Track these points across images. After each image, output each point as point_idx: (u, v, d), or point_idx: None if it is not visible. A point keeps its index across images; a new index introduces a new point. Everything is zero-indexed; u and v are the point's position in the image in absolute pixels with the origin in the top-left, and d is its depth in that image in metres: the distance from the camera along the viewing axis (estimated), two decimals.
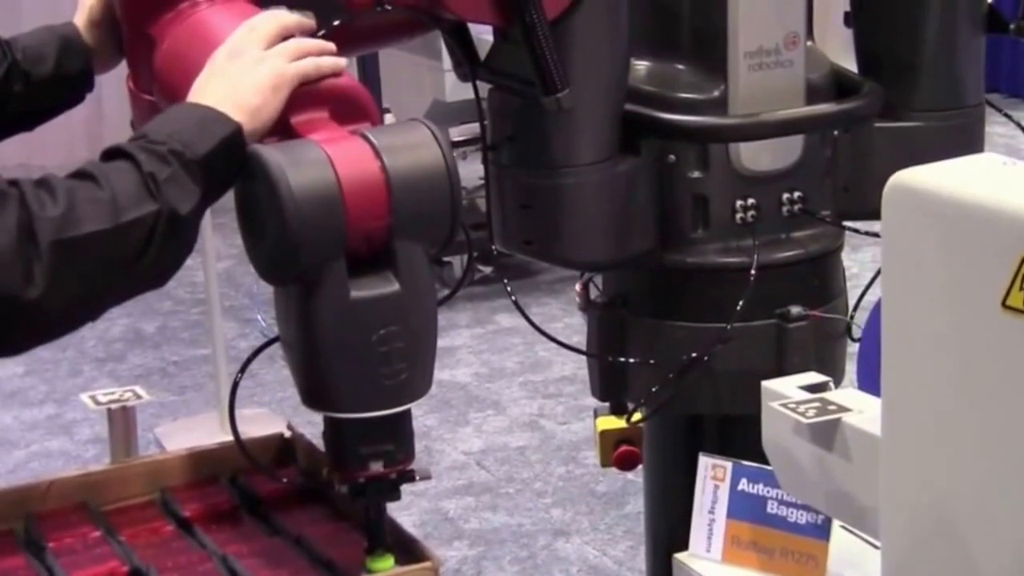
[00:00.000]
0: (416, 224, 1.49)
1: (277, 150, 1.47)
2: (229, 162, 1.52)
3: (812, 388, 1.63)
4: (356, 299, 1.48)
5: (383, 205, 1.47)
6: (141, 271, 1.52)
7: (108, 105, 6.68)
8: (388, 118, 5.65)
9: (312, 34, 1.67)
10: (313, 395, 1.55)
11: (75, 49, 1.86)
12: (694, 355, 2.10)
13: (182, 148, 1.50)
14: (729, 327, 2.08)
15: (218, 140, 1.51)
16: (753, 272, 2.07)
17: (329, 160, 1.46)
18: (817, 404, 1.56)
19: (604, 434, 2.28)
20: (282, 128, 1.53)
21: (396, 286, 1.49)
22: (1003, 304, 1.24)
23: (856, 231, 2.18)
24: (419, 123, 1.53)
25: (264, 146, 1.49)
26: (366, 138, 1.50)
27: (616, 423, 2.26)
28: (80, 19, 1.88)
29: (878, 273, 1.40)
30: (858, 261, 3.32)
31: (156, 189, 1.48)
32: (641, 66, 2.11)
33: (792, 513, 1.87)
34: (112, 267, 1.50)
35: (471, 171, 3.22)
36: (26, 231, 1.43)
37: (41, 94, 1.86)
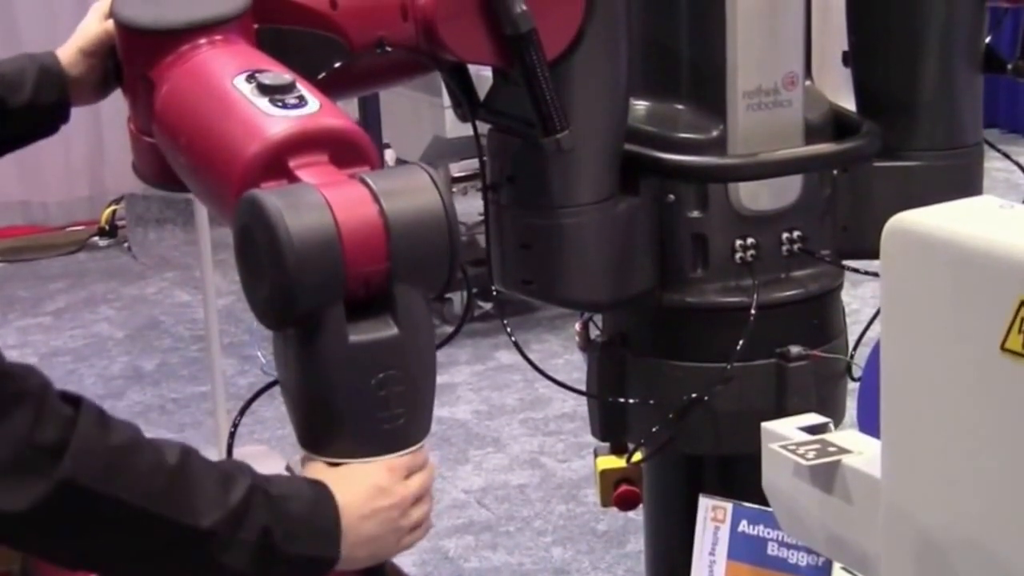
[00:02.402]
0: (415, 269, 1.49)
1: (275, 194, 1.47)
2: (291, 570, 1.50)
3: (812, 429, 1.62)
4: (354, 343, 1.47)
5: (382, 249, 1.47)
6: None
7: (109, 146, 6.71)
8: (388, 154, 5.67)
9: None
10: (311, 439, 1.55)
11: (53, 79, 1.86)
12: (694, 395, 2.10)
13: (280, 534, 1.47)
14: (729, 367, 2.08)
15: (307, 555, 1.50)
16: (753, 312, 2.07)
17: (328, 204, 1.45)
18: (817, 446, 1.56)
19: (604, 474, 2.28)
20: (280, 172, 1.53)
21: (395, 330, 1.49)
22: (1001, 347, 1.24)
23: (856, 271, 2.18)
24: (418, 168, 1.53)
25: (262, 191, 1.49)
26: (365, 182, 1.49)
27: (616, 463, 2.26)
28: (73, 46, 1.88)
29: (879, 311, 1.40)
30: (858, 297, 3.32)
31: (234, 526, 1.45)
32: (640, 106, 2.12)
33: (793, 555, 1.86)
34: (108, 545, 1.45)
35: (471, 207, 3.23)
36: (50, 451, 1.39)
37: (15, 123, 1.86)
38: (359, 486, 1.53)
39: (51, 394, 1.43)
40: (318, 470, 1.55)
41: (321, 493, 1.52)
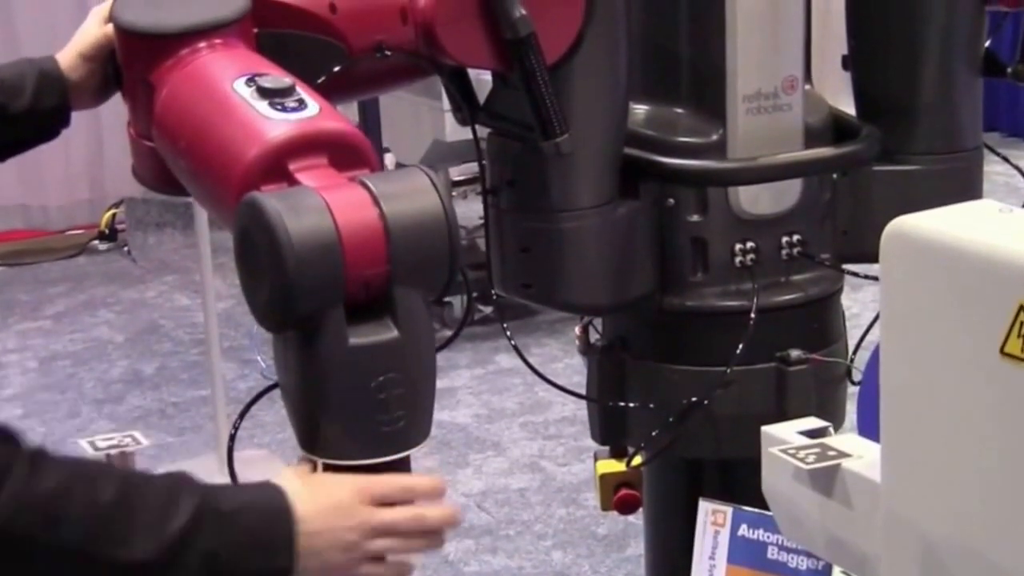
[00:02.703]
0: (415, 271, 1.49)
1: (275, 197, 1.47)
2: None
3: (812, 433, 1.62)
4: (354, 346, 1.47)
5: (382, 252, 1.47)
6: None
7: (109, 149, 6.70)
8: (388, 158, 5.66)
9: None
10: (311, 441, 1.55)
11: (53, 84, 1.86)
12: (694, 399, 2.10)
13: (227, 554, 1.47)
14: (729, 371, 2.08)
15: (259, 568, 1.49)
16: (753, 315, 2.07)
17: (327, 207, 1.46)
18: (817, 450, 1.56)
19: (604, 478, 2.28)
20: (280, 175, 1.53)
21: (395, 333, 1.49)
22: (1001, 351, 1.24)
23: (855, 275, 2.18)
24: (418, 170, 1.53)
25: (263, 193, 1.49)
26: (365, 185, 1.49)
27: (616, 466, 2.26)
28: (72, 50, 1.88)
29: (879, 315, 1.40)
30: (859, 301, 3.32)
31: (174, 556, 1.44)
32: (640, 110, 2.12)
33: (792, 559, 1.86)
34: None
35: (471, 210, 3.22)
36: None
37: (15, 128, 1.86)
38: (320, 499, 1.52)
39: None
40: (288, 477, 1.54)
41: (277, 502, 1.50)
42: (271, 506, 1.51)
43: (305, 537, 1.50)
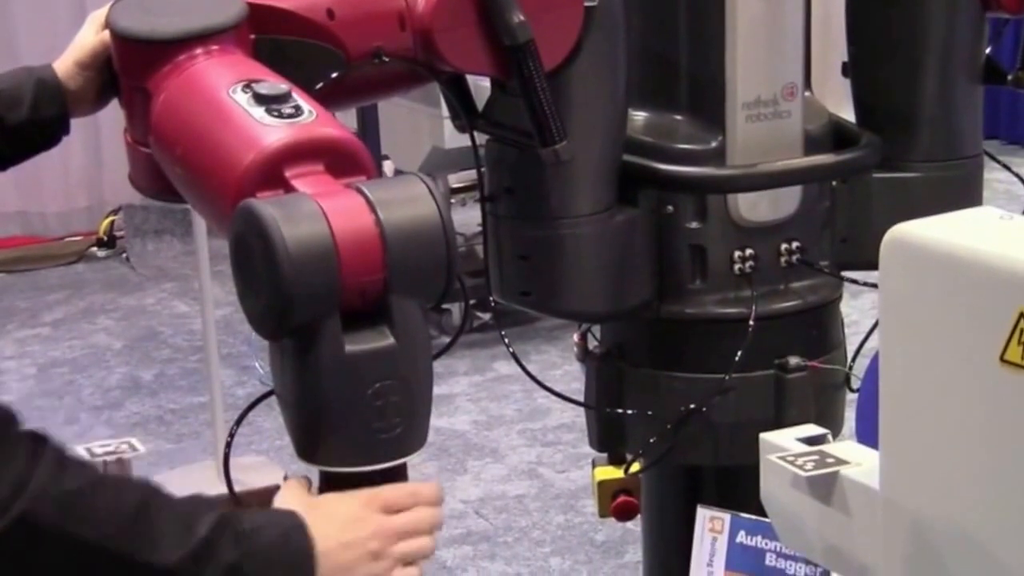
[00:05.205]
0: (411, 279, 1.48)
1: (271, 204, 1.46)
2: None
3: (810, 440, 1.62)
4: (351, 353, 1.47)
5: (378, 259, 1.46)
6: None
7: (107, 156, 6.70)
8: (387, 165, 5.66)
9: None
10: (307, 449, 1.54)
11: (51, 93, 1.85)
12: (692, 406, 2.10)
13: (250, 569, 1.46)
14: (728, 378, 2.07)
15: None
16: (751, 323, 2.07)
17: (323, 214, 1.45)
18: (815, 457, 1.56)
19: (602, 484, 2.27)
20: (277, 181, 1.53)
21: (391, 340, 1.48)
22: (1000, 358, 1.23)
23: (855, 282, 2.17)
24: (415, 177, 1.53)
25: (258, 200, 1.48)
26: (361, 192, 1.49)
27: (614, 473, 2.25)
28: (69, 58, 1.87)
29: (878, 322, 1.39)
30: (858, 308, 3.31)
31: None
32: (639, 117, 2.11)
33: (791, 566, 1.86)
34: None
35: (470, 217, 3.22)
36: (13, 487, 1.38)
37: (15, 139, 1.86)
38: (333, 516, 1.52)
39: (13, 431, 1.43)
40: (293, 499, 1.54)
41: (294, 522, 1.50)
42: (288, 524, 1.51)
43: (331, 554, 1.50)
